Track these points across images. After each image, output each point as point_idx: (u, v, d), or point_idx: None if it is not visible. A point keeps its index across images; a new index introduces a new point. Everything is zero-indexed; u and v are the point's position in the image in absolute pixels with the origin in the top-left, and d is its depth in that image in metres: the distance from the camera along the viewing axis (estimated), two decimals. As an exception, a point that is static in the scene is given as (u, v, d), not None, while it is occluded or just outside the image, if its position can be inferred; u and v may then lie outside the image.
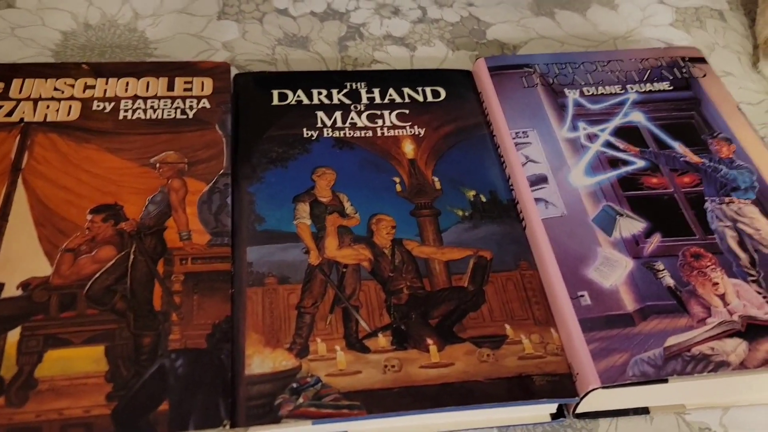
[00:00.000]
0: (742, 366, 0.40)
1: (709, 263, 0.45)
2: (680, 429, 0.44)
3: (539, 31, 0.72)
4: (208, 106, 0.52)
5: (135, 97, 0.52)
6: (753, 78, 0.69)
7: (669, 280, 0.44)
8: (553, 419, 0.43)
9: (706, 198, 0.49)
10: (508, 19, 0.73)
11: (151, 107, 0.51)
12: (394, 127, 0.55)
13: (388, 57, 0.67)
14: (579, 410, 0.43)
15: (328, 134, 0.53)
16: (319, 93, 0.56)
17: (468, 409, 0.40)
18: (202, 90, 0.53)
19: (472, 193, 0.51)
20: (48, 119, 0.49)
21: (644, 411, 0.44)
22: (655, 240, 0.47)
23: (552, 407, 0.43)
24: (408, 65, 0.67)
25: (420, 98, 0.57)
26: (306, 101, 0.56)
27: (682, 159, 0.52)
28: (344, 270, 0.45)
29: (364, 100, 0.56)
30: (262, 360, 0.40)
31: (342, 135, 0.53)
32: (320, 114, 0.55)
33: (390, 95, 0.57)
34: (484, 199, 0.50)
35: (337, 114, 0.55)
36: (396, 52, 0.68)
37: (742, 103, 0.66)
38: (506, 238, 0.48)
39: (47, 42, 0.63)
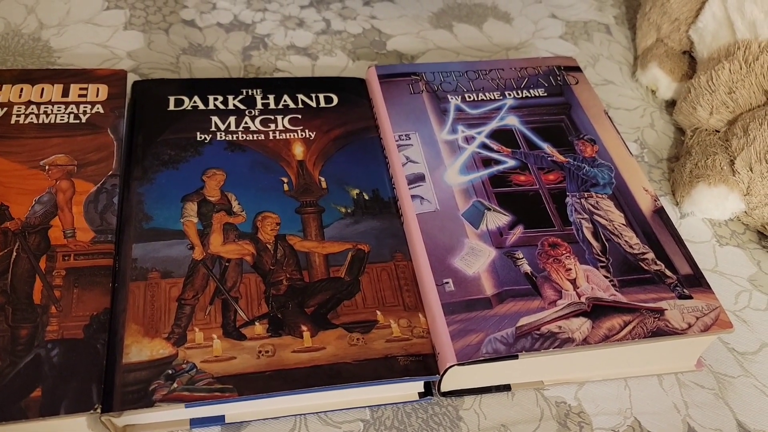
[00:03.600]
0: (585, 342, 0.45)
1: (564, 251, 0.50)
2: (539, 403, 0.48)
3: (437, 43, 0.76)
4: (101, 111, 0.54)
5: (29, 103, 0.53)
6: (631, 86, 0.75)
7: (526, 267, 0.49)
8: (421, 398, 0.46)
9: (567, 193, 0.54)
10: (408, 31, 0.77)
11: (44, 112, 0.53)
12: (286, 130, 0.58)
13: (290, 66, 0.70)
14: (444, 388, 0.46)
15: (221, 138, 0.56)
16: (215, 99, 0.59)
17: (335, 389, 0.43)
18: (97, 96, 0.55)
19: (355, 191, 0.54)
20: (-63, 124, 0.50)
21: (506, 388, 0.48)
22: (518, 231, 0.51)
23: (419, 386, 0.46)
24: (309, 74, 0.70)
25: (313, 104, 0.60)
26: (202, 107, 0.58)
27: (549, 158, 0.57)
28: (227, 264, 0.48)
29: (259, 106, 0.59)
30: (140, 349, 0.43)
31: (235, 138, 0.56)
32: (215, 119, 0.57)
33: (284, 101, 0.60)
34: (366, 197, 0.54)
35: (231, 119, 0.58)
36: (298, 62, 0.71)
37: (620, 108, 0.72)
38: (384, 233, 0.52)
39: (-53, 50, 0.64)
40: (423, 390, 0.46)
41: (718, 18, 0.64)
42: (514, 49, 0.77)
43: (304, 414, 0.45)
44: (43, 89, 0.55)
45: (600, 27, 0.82)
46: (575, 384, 0.49)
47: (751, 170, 0.57)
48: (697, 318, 0.46)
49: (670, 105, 0.73)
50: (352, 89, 0.63)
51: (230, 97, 0.59)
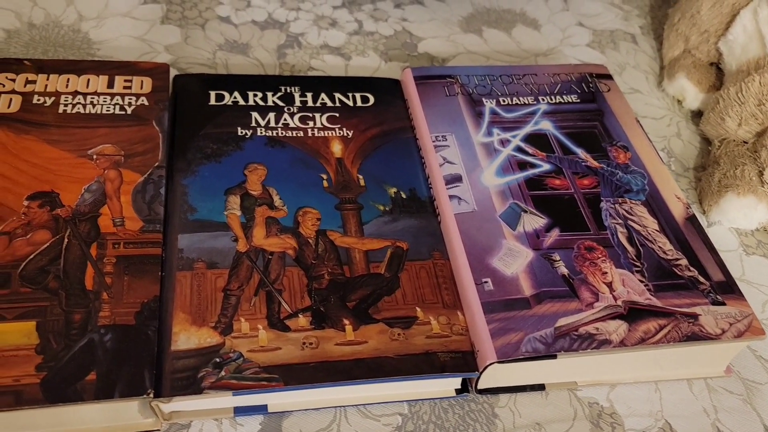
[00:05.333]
0: (622, 344, 0.45)
1: (600, 255, 0.51)
2: (572, 403, 0.49)
3: (467, 47, 0.77)
4: (146, 103, 0.55)
5: (75, 93, 0.54)
6: (657, 95, 0.76)
7: (563, 269, 0.50)
8: (457, 394, 0.47)
9: (602, 198, 0.55)
10: (439, 35, 0.78)
11: (91, 102, 0.54)
12: (324, 128, 0.59)
13: (324, 65, 0.71)
14: (481, 386, 0.47)
15: (261, 133, 0.57)
16: (255, 95, 0.60)
17: (377, 382, 0.44)
18: (141, 88, 0.56)
19: (393, 190, 0.55)
20: (-12, 111, 0.51)
21: (540, 387, 0.48)
22: (554, 234, 0.52)
23: (456, 383, 0.47)
24: (342, 73, 0.71)
25: (350, 103, 0.61)
26: (242, 102, 0.59)
27: (583, 163, 0.58)
28: (270, 257, 0.49)
29: (297, 103, 0.60)
30: (188, 337, 0.43)
31: (275, 134, 0.57)
32: (255, 114, 0.58)
33: (322, 99, 0.61)
34: (404, 196, 0.55)
35: (271, 115, 0.59)
36: (332, 61, 0.72)
37: (647, 117, 0.73)
38: (422, 231, 0.53)
39: (-10, 39, 0.65)
40: (459, 387, 0.47)
41: (749, 31, 0.65)
42: (543, 56, 0.78)
43: (344, 406, 0.46)
44: (89, 80, 0.56)
45: (626, 36, 0.83)
46: (607, 386, 0.50)
47: (780, 182, 0.58)
48: (731, 324, 0.47)
49: (696, 115, 0.74)
50: (387, 90, 0.64)
51: (269, 94, 0.60)
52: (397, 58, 0.74)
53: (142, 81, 0.57)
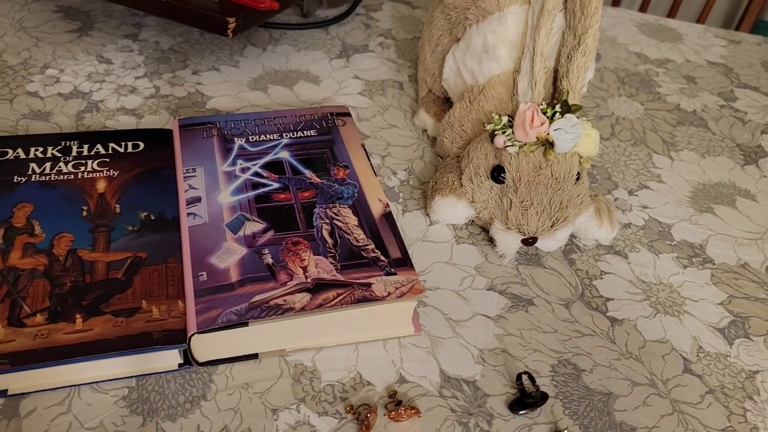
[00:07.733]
0: (303, 309, 0.57)
1: (302, 247, 0.63)
2: (280, 366, 0.59)
3: (251, 101, 0.92)
4: (-71, 161, 0.66)
5: None
6: (411, 129, 0.91)
7: (269, 260, 0.62)
8: (180, 368, 0.57)
9: (316, 206, 0.68)
10: (228, 93, 0.92)
11: None
12: (93, 171, 0.70)
13: (117, 124, 0.84)
14: (201, 359, 0.58)
15: (35, 179, 0.68)
16: (36, 149, 0.72)
17: (94, 359, 0.54)
18: (-72, 150, 0.67)
19: (144, 213, 0.67)
20: None
21: (254, 356, 0.59)
22: (269, 235, 0.64)
23: (179, 358, 0.58)
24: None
25: (121, 150, 0.74)
26: (23, 156, 0.71)
27: (308, 181, 0.71)
28: (21, 273, 0.59)
29: (74, 153, 0.72)
30: (-67, 338, 0.53)
31: (47, 179, 0.68)
32: (32, 165, 0.70)
33: (96, 149, 0.73)
34: (153, 218, 0.66)
35: (48, 164, 0.70)
36: (125, 120, 0.85)
37: (399, 145, 0.88)
38: (163, 243, 0.64)
39: None
40: (183, 361, 0.58)
41: (454, 70, 0.82)
42: (318, 104, 0.93)
43: (78, 385, 0.55)
44: None
45: (395, 84, 1.00)
46: (314, 350, 0.61)
47: (472, 182, 0.73)
48: (397, 288, 0.60)
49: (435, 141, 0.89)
50: (159, 138, 0.77)
51: (50, 148, 0.72)
52: (186, 114, 0.87)
53: (-71, 144, 0.68)
